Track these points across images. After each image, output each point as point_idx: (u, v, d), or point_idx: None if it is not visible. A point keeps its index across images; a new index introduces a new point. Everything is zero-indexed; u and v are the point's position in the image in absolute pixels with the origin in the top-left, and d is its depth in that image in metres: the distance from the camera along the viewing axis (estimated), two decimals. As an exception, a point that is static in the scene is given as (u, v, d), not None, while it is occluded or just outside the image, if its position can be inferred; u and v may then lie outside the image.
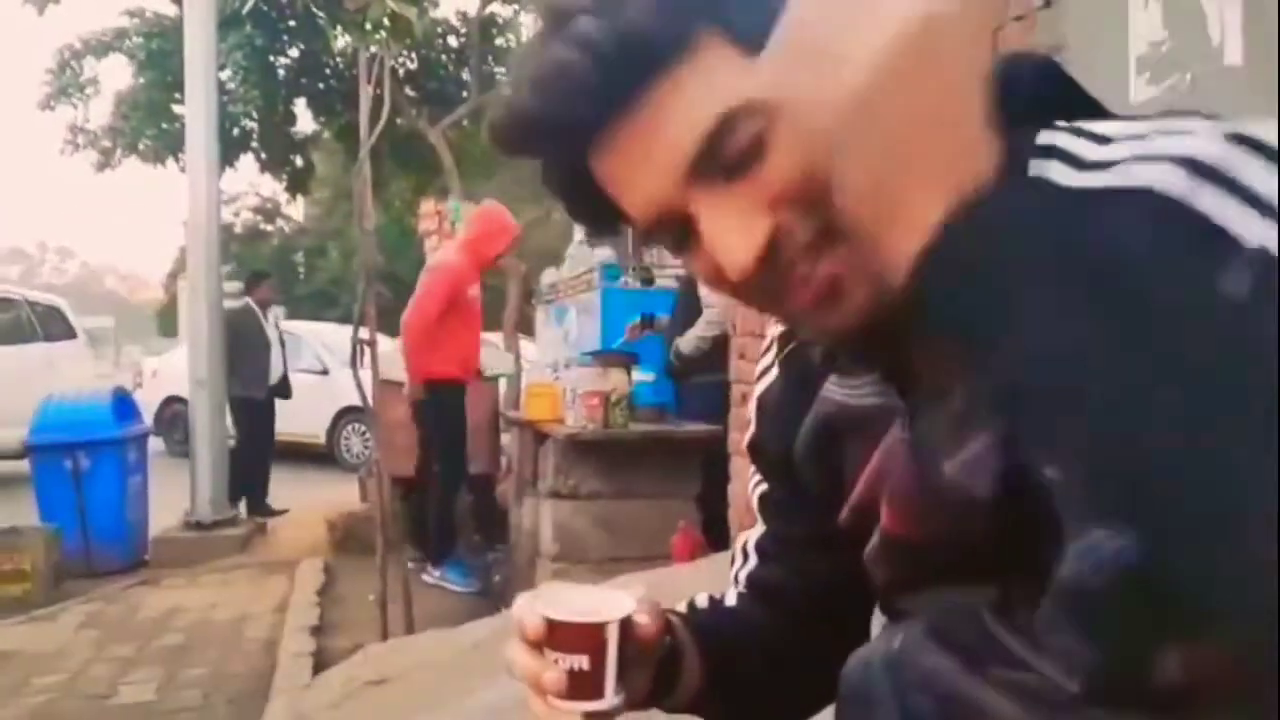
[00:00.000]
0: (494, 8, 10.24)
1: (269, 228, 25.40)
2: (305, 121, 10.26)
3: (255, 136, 9.57)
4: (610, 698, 0.73)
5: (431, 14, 9.44)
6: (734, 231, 0.62)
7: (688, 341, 4.70)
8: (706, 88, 0.61)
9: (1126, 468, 0.49)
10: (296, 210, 23.42)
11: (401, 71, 8.90)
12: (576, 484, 4.40)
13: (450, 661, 3.37)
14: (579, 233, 8.23)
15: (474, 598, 5.20)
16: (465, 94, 9.91)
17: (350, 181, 5.15)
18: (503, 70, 10.41)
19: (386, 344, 5.87)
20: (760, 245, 0.61)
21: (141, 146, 9.51)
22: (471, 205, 8.52)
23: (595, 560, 4.24)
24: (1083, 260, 0.52)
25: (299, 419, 9.31)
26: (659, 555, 3.93)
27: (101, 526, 5.99)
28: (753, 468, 0.93)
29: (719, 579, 0.97)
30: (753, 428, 0.91)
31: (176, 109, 9.02)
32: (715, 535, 3.95)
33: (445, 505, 5.57)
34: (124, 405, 6.54)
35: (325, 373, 11.12)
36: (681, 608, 0.91)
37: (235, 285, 8.52)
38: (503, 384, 6.97)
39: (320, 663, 3.99)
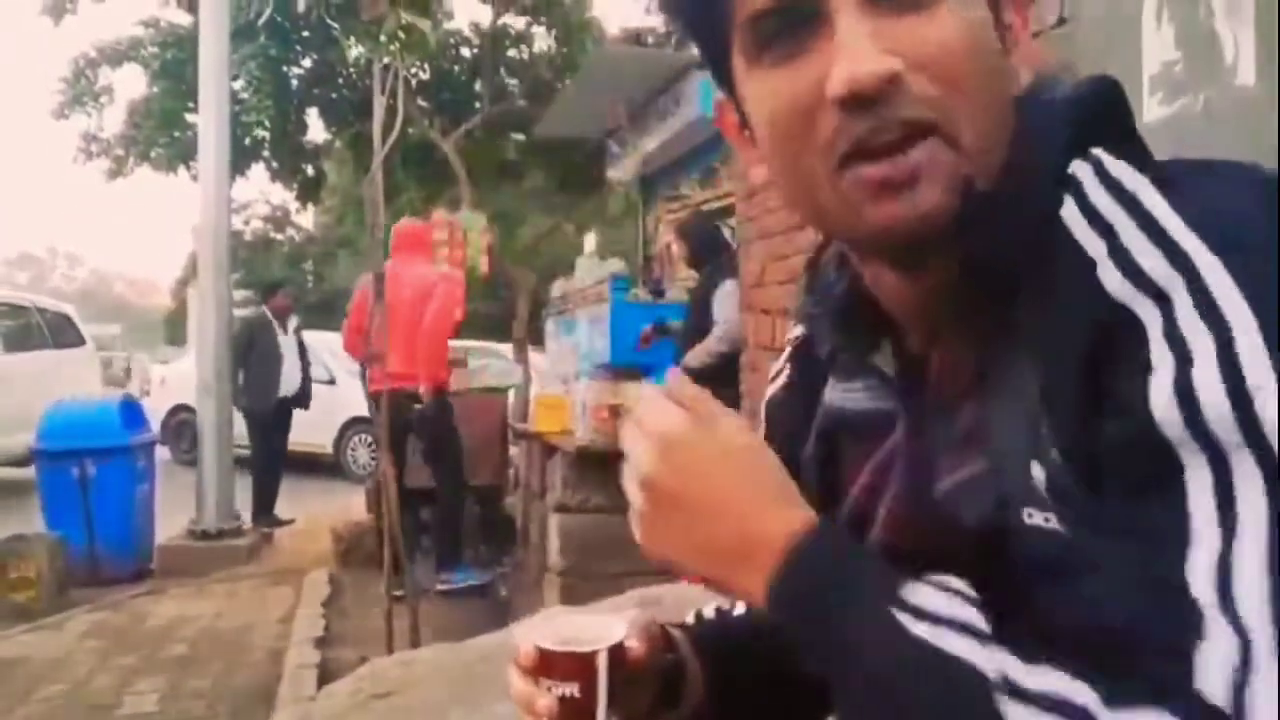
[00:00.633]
0: (507, 20, 10.30)
1: (279, 236, 25.46)
2: (316, 131, 10.34)
3: (267, 145, 9.61)
4: None
5: (445, 25, 9.50)
6: (872, 47, 0.58)
7: (696, 356, 4.70)
8: None
9: None
10: (306, 219, 23.51)
11: (414, 82, 8.93)
12: (585, 497, 4.38)
13: (456, 675, 3.35)
14: (589, 244, 8.25)
15: (480, 609, 5.18)
16: (478, 105, 9.98)
17: (360, 191, 5.17)
18: (515, 82, 10.47)
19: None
20: (891, 70, 0.58)
21: (154, 155, 9.59)
22: (482, 216, 8.55)
23: (603, 575, 4.22)
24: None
25: (306, 429, 9.30)
26: (668, 570, 3.90)
27: (107, 535, 5.96)
28: None
29: (729, 594, 0.96)
30: (761, 431, 0.90)
31: (189, 118, 9.10)
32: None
33: (454, 512, 5.53)
34: (132, 413, 6.52)
35: (332, 382, 10.90)
36: (689, 618, 0.92)
37: (243, 294, 8.53)
38: (511, 396, 6.97)
39: (325, 675, 3.97)
